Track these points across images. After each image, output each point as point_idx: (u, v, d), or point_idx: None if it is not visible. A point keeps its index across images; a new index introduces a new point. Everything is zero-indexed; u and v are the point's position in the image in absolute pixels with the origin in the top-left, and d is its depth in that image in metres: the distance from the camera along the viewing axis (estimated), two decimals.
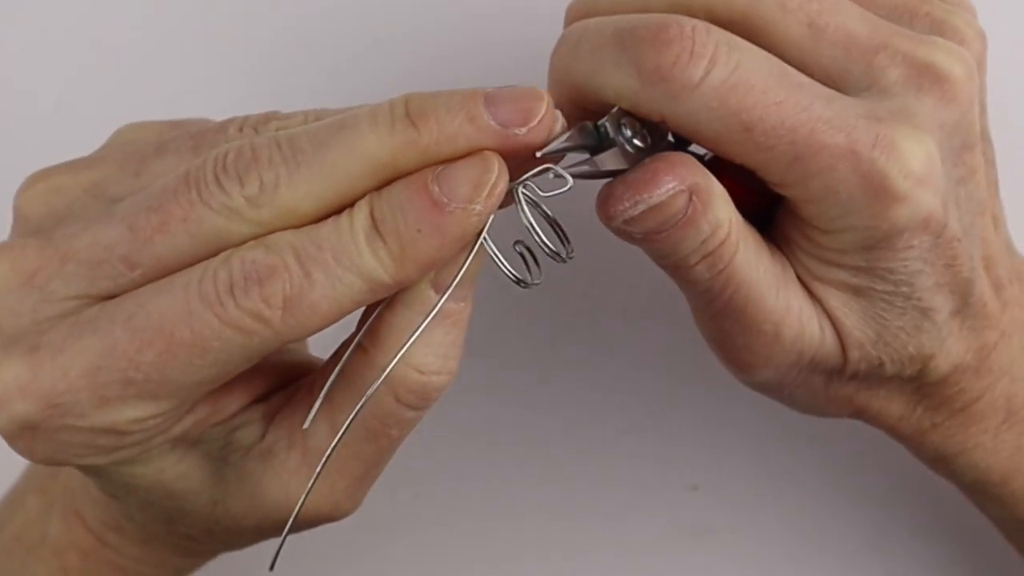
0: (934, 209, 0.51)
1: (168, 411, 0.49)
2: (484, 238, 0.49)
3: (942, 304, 0.54)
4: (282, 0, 0.67)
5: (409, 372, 0.51)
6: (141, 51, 0.67)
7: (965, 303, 0.54)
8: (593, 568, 0.69)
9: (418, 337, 0.50)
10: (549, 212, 0.50)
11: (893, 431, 0.57)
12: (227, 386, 0.51)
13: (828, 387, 0.56)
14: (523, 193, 0.50)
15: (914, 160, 0.50)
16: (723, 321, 0.53)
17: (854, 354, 0.54)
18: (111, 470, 0.51)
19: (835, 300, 0.53)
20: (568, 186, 0.49)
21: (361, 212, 0.48)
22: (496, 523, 0.69)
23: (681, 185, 0.50)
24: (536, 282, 0.50)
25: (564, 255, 0.50)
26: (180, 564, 0.59)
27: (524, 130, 0.48)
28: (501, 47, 0.66)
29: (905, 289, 0.53)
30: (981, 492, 0.58)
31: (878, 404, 0.56)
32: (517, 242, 0.50)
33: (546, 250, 0.50)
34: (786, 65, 0.51)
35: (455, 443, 0.69)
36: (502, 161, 0.48)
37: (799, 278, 0.54)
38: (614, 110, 0.51)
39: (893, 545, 0.69)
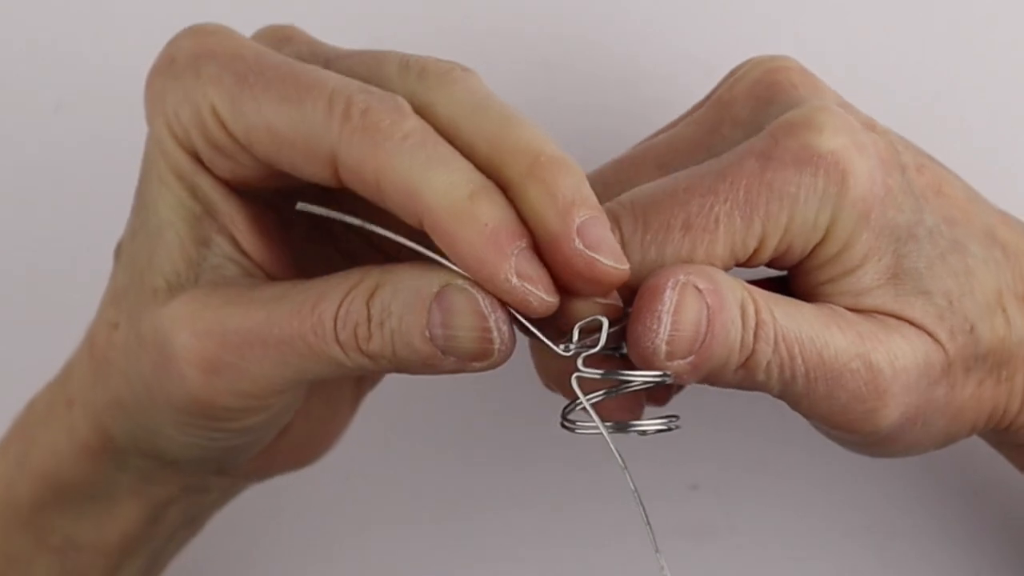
0: (874, 143, 0.52)
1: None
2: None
3: (966, 232, 0.53)
4: (281, 7, 0.67)
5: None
6: (141, 51, 0.67)
7: (986, 225, 0.54)
8: (593, 568, 0.69)
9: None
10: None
11: (999, 418, 0.56)
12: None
13: (952, 395, 0.54)
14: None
15: (817, 118, 0.51)
16: (816, 389, 0.51)
17: (943, 333, 0.53)
18: None
19: (889, 299, 0.52)
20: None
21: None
22: (495, 523, 0.69)
23: (679, 277, 0.49)
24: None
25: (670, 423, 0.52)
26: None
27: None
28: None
29: (923, 232, 0.53)
30: None
31: (1004, 391, 0.55)
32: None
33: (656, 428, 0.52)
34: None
35: (454, 443, 0.69)
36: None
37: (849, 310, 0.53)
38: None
39: (893, 545, 0.69)
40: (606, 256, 0.48)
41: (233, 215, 0.53)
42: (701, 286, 0.49)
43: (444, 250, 0.48)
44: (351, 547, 0.70)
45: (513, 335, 0.49)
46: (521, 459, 0.70)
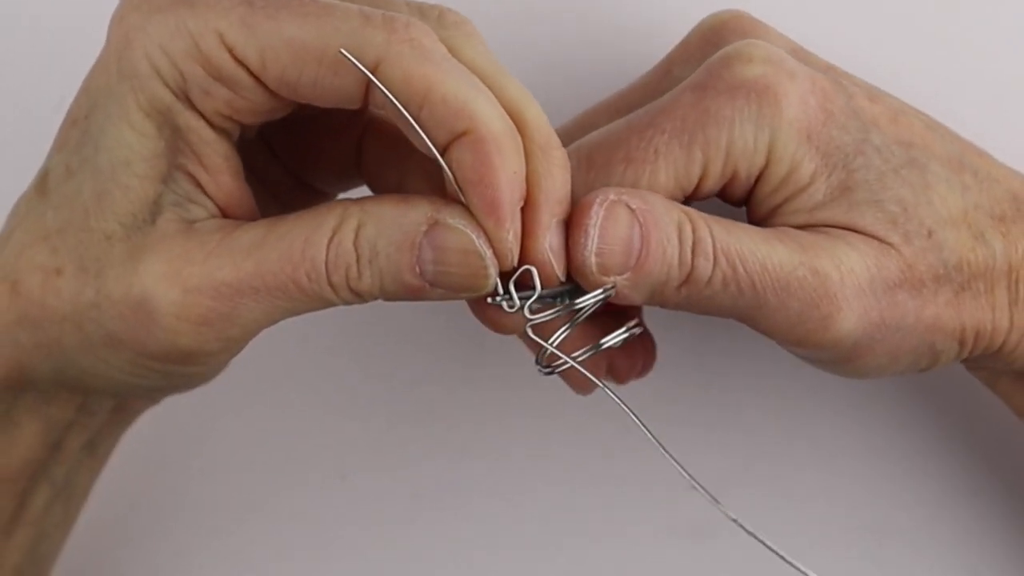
0: (809, 73, 0.54)
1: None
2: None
3: (925, 155, 0.55)
4: None
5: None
6: None
7: (952, 152, 0.55)
8: (593, 568, 0.69)
9: None
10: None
11: (1008, 347, 0.56)
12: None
13: (922, 305, 0.55)
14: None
15: (748, 50, 0.54)
16: (765, 301, 0.53)
17: (896, 238, 0.54)
18: None
19: (840, 212, 0.54)
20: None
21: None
22: (495, 523, 0.69)
23: (608, 195, 0.52)
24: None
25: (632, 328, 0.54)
26: None
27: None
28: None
29: (870, 149, 0.54)
30: None
31: (985, 313, 0.55)
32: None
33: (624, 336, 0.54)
34: None
35: (453, 442, 0.69)
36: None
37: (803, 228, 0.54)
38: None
39: (893, 545, 0.69)
40: (557, 261, 0.51)
41: (201, 153, 0.52)
42: (633, 205, 0.52)
43: (467, 171, 0.50)
44: (350, 546, 0.70)
45: (497, 266, 0.51)
46: (520, 460, 0.70)
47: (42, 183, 0.54)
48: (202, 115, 0.52)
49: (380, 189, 0.57)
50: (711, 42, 0.57)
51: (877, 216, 0.54)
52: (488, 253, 0.50)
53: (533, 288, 0.51)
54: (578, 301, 0.52)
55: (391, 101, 0.49)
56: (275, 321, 0.53)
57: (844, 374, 0.56)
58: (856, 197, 0.54)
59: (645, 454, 0.69)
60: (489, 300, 0.51)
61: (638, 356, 0.58)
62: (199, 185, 0.53)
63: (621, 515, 0.69)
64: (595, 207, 0.51)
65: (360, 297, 0.52)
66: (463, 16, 0.52)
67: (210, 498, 0.69)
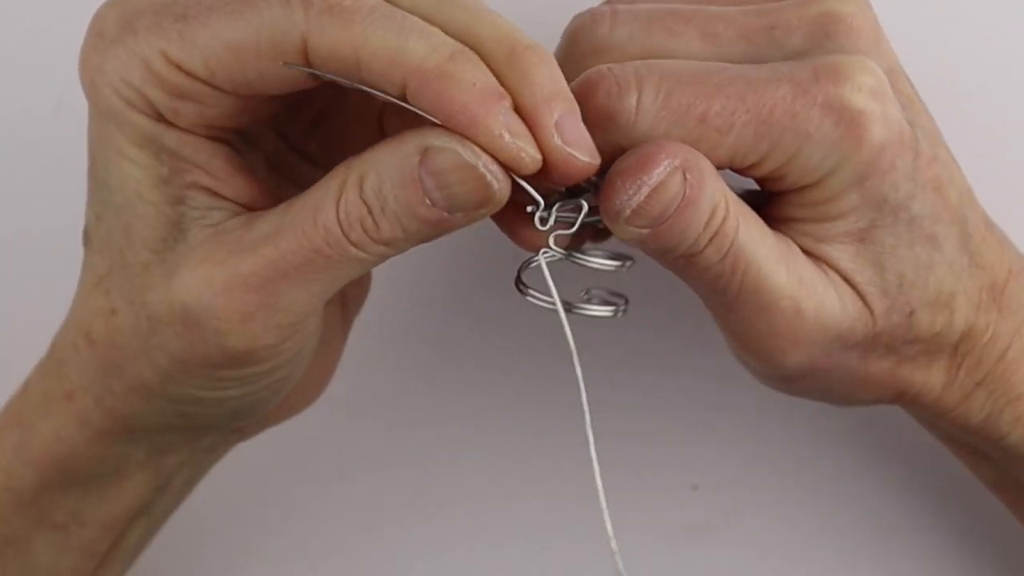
0: (901, 121, 0.53)
1: None
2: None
3: (945, 232, 0.55)
4: None
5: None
6: None
7: (965, 232, 0.55)
8: (593, 568, 0.69)
9: None
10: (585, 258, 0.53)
11: (937, 405, 0.57)
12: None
13: (866, 364, 0.56)
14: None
15: (861, 76, 0.52)
16: (741, 308, 0.53)
17: (879, 308, 0.54)
18: None
19: (845, 257, 0.54)
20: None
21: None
22: (494, 523, 0.69)
23: (675, 160, 0.51)
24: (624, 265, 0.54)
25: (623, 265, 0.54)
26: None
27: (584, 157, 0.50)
28: None
29: (905, 216, 0.54)
30: None
31: (921, 376, 0.57)
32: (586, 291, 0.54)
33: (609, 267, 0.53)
34: (704, 61, 0.53)
35: (453, 442, 0.69)
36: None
37: (804, 251, 0.54)
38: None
39: (894, 545, 0.69)
40: (581, 152, 0.50)
41: (204, 164, 0.53)
42: (689, 176, 0.51)
43: (431, 113, 0.49)
44: (348, 545, 0.70)
45: (505, 172, 0.50)
46: (520, 460, 0.70)
47: (86, 238, 0.55)
48: (186, 130, 0.52)
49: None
50: (824, 26, 0.54)
51: (874, 279, 0.54)
52: (482, 160, 0.49)
53: (563, 196, 0.51)
54: (593, 261, 0.53)
55: (339, 81, 0.50)
56: (324, 296, 0.53)
57: (769, 385, 0.57)
58: (866, 252, 0.54)
59: (645, 454, 0.69)
60: (528, 209, 0.51)
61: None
62: (215, 194, 0.53)
63: (621, 515, 0.69)
64: (661, 168, 0.51)
65: (391, 246, 0.51)
66: None
67: (209, 498, 0.69)
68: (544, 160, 0.50)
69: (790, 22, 0.54)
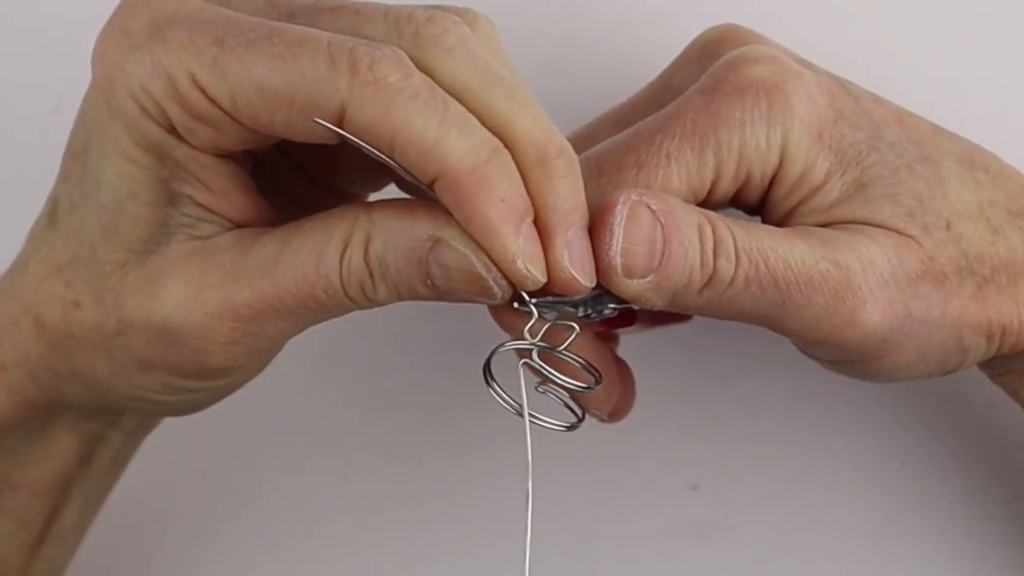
0: (816, 75, 0.54)
1: None
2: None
3: (937, 149, 0.55)
4: None
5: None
6: None
7: (962, 148, 0.56)
8: (593, 568, 0.69)
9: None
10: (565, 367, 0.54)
11: (1015, 330, 0.56)
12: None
13: (947, 300, 0.54)
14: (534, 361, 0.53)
15: (754, 53, 0.54)
16: (790, 299, 0.52)
17: (915, 230, 0.53)
18: None
19: (857, 208, 0.54)
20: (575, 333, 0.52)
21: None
22: (494, 523, 0.69)
23: (631, 195, 0.51)
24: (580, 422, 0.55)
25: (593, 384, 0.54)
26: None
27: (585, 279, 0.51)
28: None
29: (884, 145, 0.54)
30: None
31: (1008, 304, 0.55)
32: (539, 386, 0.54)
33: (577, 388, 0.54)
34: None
35: (453, 442, 0.69)
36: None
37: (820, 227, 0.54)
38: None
39: (894, 545, 0.69)
40: (584, 277, 0.51)
41: (207, 180, 0.52)
42: (654, 206, 0.51)
43: (454, 211, 0.49)
44: (347, 545, 0.70)
45: (510, 283, 0.50)
46: (520, 460, 0.70)
47: (52, 212, 0.55)
48: (194, 147, 0.52)
49: (407, 187, 0.56)
50: (710, 53, 0.56)
51: (895, 210, 0.53)
52: (492, 274, 0.50)
53: (557, 295, 0.51)
54: (558, 376, 0.53)
55: (367, 149, 0.49)
56: (303, 329, 0.53)
57: (870, 375, 0.55)
58: (872, 193, 0.53)
59: (645, 454, 0.69)
60: (516, 305, 0.51)
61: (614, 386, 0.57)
62: (209, 209, 0.53)
63: (621, 515, 0.69)
64: (619, 206, 0.51)
65: (381, 303, 0.52)
66: (444, 21, 0.50)
67: (210, 498, 0.69)
68: (548, 272, 0.50)
69: (681, 69, 0.57)
